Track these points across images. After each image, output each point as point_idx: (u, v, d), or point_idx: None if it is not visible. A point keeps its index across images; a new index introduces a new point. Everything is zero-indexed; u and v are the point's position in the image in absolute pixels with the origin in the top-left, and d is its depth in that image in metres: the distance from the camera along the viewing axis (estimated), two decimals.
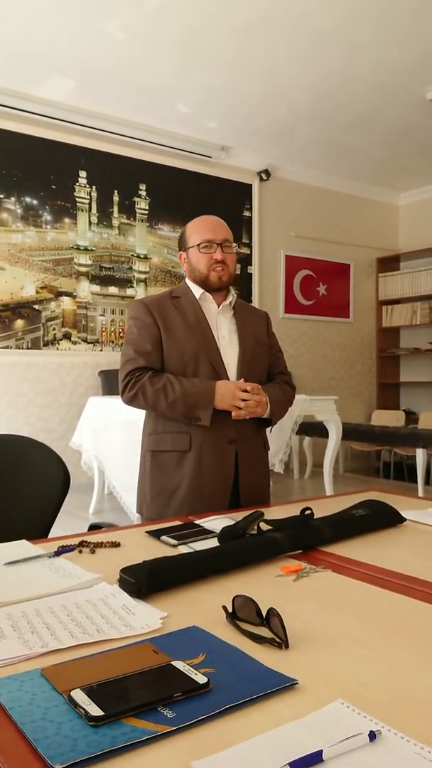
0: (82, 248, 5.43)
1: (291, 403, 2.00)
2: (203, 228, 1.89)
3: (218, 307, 1.92)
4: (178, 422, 1.82)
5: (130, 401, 1.82)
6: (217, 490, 1.80)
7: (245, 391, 1.75)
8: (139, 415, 2.06)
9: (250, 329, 1.96)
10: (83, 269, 5.44)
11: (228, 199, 6.18)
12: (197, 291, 1.91)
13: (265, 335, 2.02)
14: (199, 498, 1.78)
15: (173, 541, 1.33)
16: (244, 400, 1.75)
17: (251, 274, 6.41)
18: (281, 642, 0.83)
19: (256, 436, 1.92)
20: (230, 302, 1.95)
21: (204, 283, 1.90)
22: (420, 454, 5.24)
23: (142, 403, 1.80)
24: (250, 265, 6.40)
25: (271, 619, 0.86)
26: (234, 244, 1.94)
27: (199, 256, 1.88)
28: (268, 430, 1.98)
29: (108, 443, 4.08)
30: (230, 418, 1.80)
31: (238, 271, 6.28)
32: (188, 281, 1.95)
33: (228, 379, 1.83)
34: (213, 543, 1.29)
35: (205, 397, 1.74)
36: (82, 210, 5.42)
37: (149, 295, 2.11)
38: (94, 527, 1.74)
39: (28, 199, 5.15)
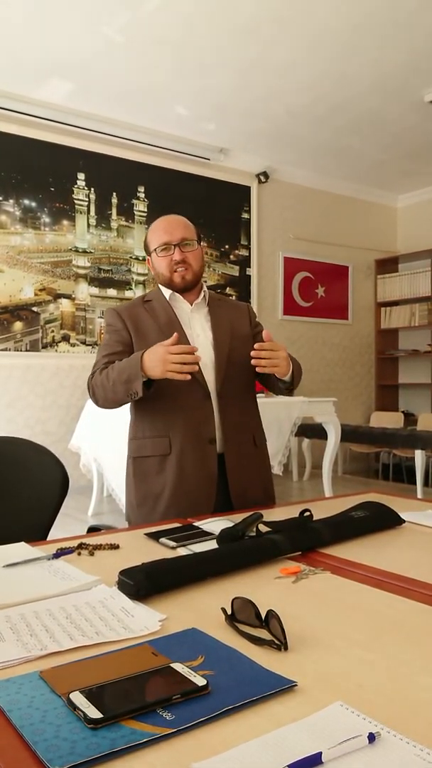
0: (80, 250, 5.43)
1: (301, 374, 1.90)
2: (159, 231, 1.86)
3: (191, 305, 1.89)
4: (156, 426, 1.79)
5: (94, 401, 1.81)
6: (201, 492, 1.76)
7: (190, 353, 1.62)
8: None
9: (227, 323, 1.90)
10: (82, 271, 5.45)
11: (226, 201, 6.18)
12: (167, 292, 1.89)
13: (247, 327, 1.95)
14: (184, 501, 1.74)
15: (172, 543, 1.33)
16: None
17: (250, 276, 6.42)
18: (280, 644, 0.83)
19: (242, 434, 1.86)
20: (203, 298, 1.90)
21: (169, 286, 1.88)
22: (419, 456, 5.24)
23: (99, 397, 1.78)
24: (249, 267, 6.41)
25: (270, 620, 0.86)
26: (194, 241, 1.86)
27: (159, 259, 1.86)
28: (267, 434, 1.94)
29: (106, 445, 4.08)
30: (209, 417, 1.77)
31: (236, 273, 6.29)
32: (159, 286, 1.93)
33: (204, 379, 1.79)
34: (212, 545, 1.29)
35: (134, 367, 1.66)
36: (81, 212, 5.43)
37: (123, 303, 2.09)
38: (92, 529, 1.74)
39: (26, 202, 5.16)
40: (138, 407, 1.84)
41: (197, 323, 1.88)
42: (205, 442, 1.78)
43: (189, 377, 1.62)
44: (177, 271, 1.83)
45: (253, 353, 1.68)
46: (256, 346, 1.69)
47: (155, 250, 1.85)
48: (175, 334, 1.65)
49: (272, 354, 1.69)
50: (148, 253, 1.91)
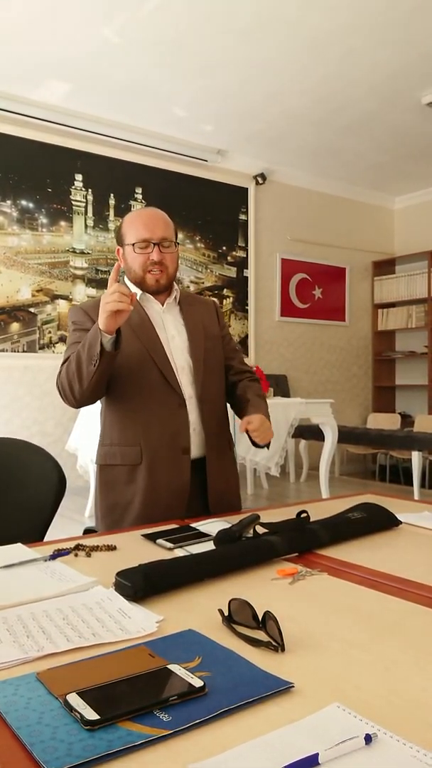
0: (78, 251, 5.43)
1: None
2: (139, 224, 1.72)
3: (162, 305, 1.79)
4: (127, 434, 1.70)
5: (65, 399, 1.70)
6: (173, 501, 1.69)
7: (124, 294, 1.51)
8: None
9: (200, 324, 1.82)
10: (79, 272, 5.44)
11: (224, 203, 6.19)
12: (137, 291, 1.77)
13: (216, 326, 1.87)
14: (154, 511, 1.66)
15: (169, 545, 1.33)
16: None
17: (247, 277, 6.42)
18: (277, 645, 0.83)
19: (221, 440, 1.82)
20: (174, 298, 1.81)
21: (140, 285, 1.76)
22: (415, 457, 5.25)
23: (67, 391, 1.66)
24: (246, 268, 6.41)
25: (267, 622, 0.86)
26: (174, 241, 1.76)
27: (133, 256, 1.73)
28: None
29: None
30: (183, 426, 1.69)
31: (234, 275, 6.29)
32: (128, 282, 1.81)
33: (179, 385, 1.72)
34: (209, 546, 1.29)
35: (92, 332, 1.57)
36: (78, 213, 5.42)
37: (88, 300, 1.91)
38: (88, 531, 1.74)
39: (24, 203, 5.15)
40: (108, 412, 1.76)
41: (171, 324, 1.79)
42: (178, 451, 1.70)
43: (131, 307, 1.51)
44: (152, 272, 1.73)
45: (244, 429, 1.68)
46: (248, 427, 1.67)
47: (132, 244, 1.72)
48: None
49: (262, 430, 1.69)
50: (121, 243, 1.78)
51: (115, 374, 1.69)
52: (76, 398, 1.66)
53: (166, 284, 1.76)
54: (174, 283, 1.82)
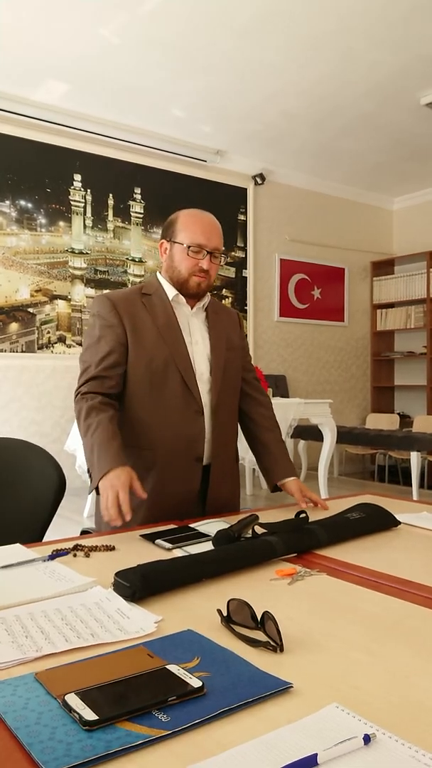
0: (76, 251, 5.42)
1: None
2: (197, 229, 1.70)
3: (192, 309, 1.77)
4: (141, 437, 1.68)
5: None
6: (180, 506, 1.68)
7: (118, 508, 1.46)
8: None
9: (224, 333, 1.81)
10: (78, 272, 5.44)
11: (223, 203, 6.19)
12: (171, 291, 1.74)
13: (238, 338, 1.87)
14: (160, 514, 1.65)
15: (168, 545, 1.33)
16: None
17: (246, 277, 6.42)
18: (276, 645, 0.83)
19: (229, 450, 1.81)
20: (204, 304, 1.80)
21: (181, 287, 1.73)
22: (414, 458, 5.25)
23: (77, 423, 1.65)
24: (245, 268, 6.41)
25: (266, 622, 0.86)
26: (222, 254, 1.77)
27: (183, 257, 1.70)
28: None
29: None
30: (199, 434, 1.69)
31: (233, 275, 6.29)
32: (161, 277, 1.77)
33: (199, 393, 1.69)
34: (208, 546, 1.29)
35: (97, 470, 1.52)
36: (77, 213, 5.42)
37: (116, 290, 1.88)
38: (85, 532, 1.74)
39: (22, 203, 5.15)
40: (123, 410, 1.71)
41: (197, 330, 1.76)
42: (191, 460, 1.69)
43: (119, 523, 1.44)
44: (197, 275, 1.70)
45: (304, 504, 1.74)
46: (302, 504, 1.74)
47: (186, 246, 1.69)
48: (137, 486, 1.49)
49: (313, 499, 1.77)
50: (168, 237, 1.74)
51: (136, 375, 1.67)
52: None
53: (205, 289, 1.76)
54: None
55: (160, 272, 1.80)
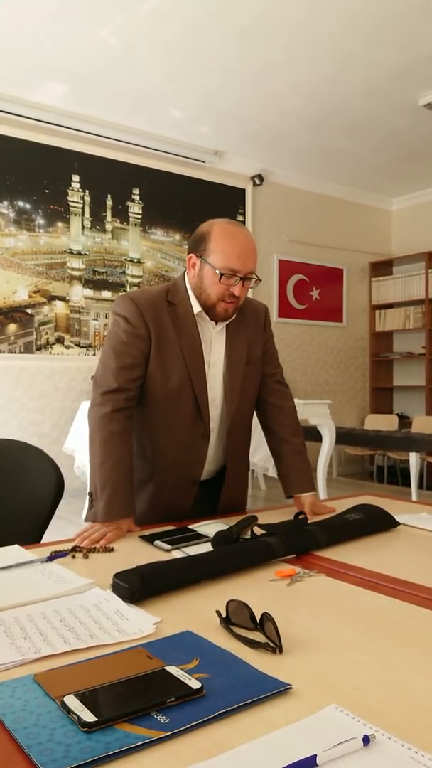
0: (75, 252, 5.42)
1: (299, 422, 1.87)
2: (233, 254, 1.55)
3: (215, 326, 1.67)
4: (144, 448, 1.68)
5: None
6: (172, 517, 1.67)
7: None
8: None
9: (244, 345, 1.71)
10: (76, 273, 5.44)
11: (221, 204, 6.19)
12: (196, 306, 1.64)
13: (260, 344, 1.77)
14: (156, 520, 1.65)
15: (167, 546, 1.33)
16: None
17: None
18: (275, 647, 0.83)
19: (241, 463, 1.81)
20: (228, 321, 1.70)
21: (207, 310, 1.62)
22: (413, 458, 5.25)
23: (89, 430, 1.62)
24: None
25: (265, 623, 0.86)
26: (255, 277, 1.61)
27: (214, 281, 1.57)
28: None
29: None
30: (200, 459, 1.67)
31: None
32: (189, 289, 1.65)
33: (208, 416, 1.65)
34: (206, 548, 1.29)
35: (104, 511, 1.49)
36: (76, 214, 5.42)
37: (140, 290, 1.72)
38: None
39: (21, 203, 5.15)
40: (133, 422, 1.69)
41: (217, 350, 1.68)
42: (188, 482, 1.68)
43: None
44: (226, 301, 1.59)
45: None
46: (309, 516, 1.63)
47: (218, 270, 1.55)
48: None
49: (325, 511, 1.70)
50: (199, 254, 1.60)
51: (151, 389, 1.63)
52: None
53: (233, 314, 1.65)
54: None
55: (187, 278, 1.67)
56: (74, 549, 1.31)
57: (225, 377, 1.68)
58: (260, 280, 1.65)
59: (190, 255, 1.63)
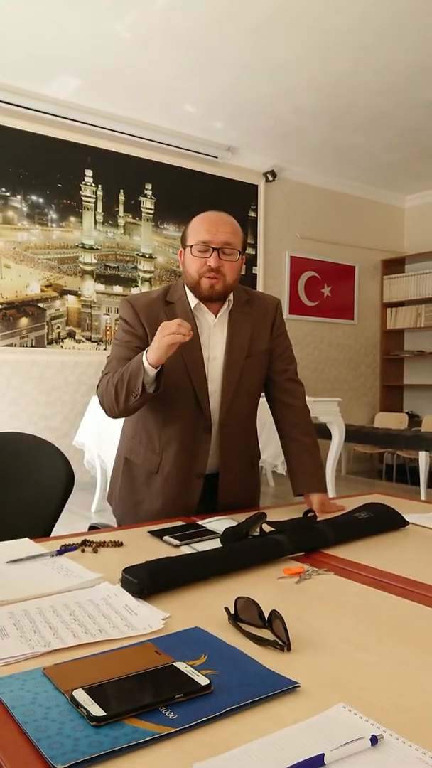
0: (87, 247, 5.43)
1: (313, 425, 1.86)
2: (201, 227, 1.63)
3: (215, 317, 1.70)
4: (152, 441, 1.71)
5: (104, 411, 1.65)
6: (181, 512, 1.68)
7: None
8: None
9: (247, 338, 1.72)
10: (88, 268, 5.45)
11: (233, 200, 6.17)
12: (193, 300, 1.69)
13: (267, 338, 1.77)
14: (164, 516, 1.67)
15: (176, 542, 1.33)
16: None
17: (256, 274, 6.41)
18: (283, 644, 0.83)
19: (242, 457, 1.79)
20: (229, 308, 1.72)
21: (194, 291, 1.67)
22: (423, 457, 5.23)
23: (105, 407, 1.63)
24: (255, 265, 6.40)
25: (274, 621, 0.86)
26: (237, 250, 1.64)
27: (191, 258, 1.63)
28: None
29: (111, 442, 4.08)
30: (203, 451, 1.68)
31: (243, 272, 6.28)
32: (185, 285, 1.71)
33: (209, 409, 1.67)
34: (215, 544, 1.29)
35: (136, 366, 1.53)
36: (88, 209, 5.43)
37: (141, 293, 1.76)
38: (93, 528, 1.74)
39: (33, 198, 5.16)
40: (139, 413, 1.72)
41: (217, 343, 1.71)
42: (193, 476, 1.70)
43: (187, 338, 1.44)
44: (207, 276, 1.62)
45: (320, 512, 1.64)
46: (318, 513, 1.61)
47: (191, 246, 1.63)
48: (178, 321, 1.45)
49: (334, 509, 1.68)
50: (183, 245, 1.69)
51: None
52: (115, 415, 1.63)
53: (221, 292, 1.65)
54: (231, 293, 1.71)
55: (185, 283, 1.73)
56: (84, 543, 1.32)
57: (224, 369, 1.70)
58: (243, 254, 1.68)
59: (180, 251, 1.72)
